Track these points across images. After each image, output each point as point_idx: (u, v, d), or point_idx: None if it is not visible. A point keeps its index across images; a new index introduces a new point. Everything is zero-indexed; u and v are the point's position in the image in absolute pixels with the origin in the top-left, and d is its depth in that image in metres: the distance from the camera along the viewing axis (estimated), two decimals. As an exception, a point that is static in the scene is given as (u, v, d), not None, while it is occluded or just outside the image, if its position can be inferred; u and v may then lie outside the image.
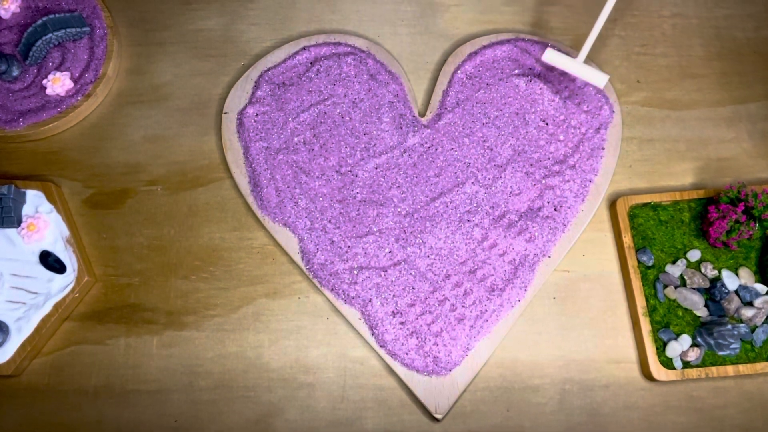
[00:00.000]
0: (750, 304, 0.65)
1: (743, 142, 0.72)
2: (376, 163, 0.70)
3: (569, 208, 0.68)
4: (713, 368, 0.63)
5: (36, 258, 0.67)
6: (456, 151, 0.70)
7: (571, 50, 0.74)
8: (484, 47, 0.74)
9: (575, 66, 0.66)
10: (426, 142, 0.71)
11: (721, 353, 0.64)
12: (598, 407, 0.65)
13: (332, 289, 0.67)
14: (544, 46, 0.74)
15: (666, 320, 0.65)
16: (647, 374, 0.64)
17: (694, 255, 0.67)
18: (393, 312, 0.65)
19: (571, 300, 0.68)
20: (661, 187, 0.71)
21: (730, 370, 0.63)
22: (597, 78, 0.66)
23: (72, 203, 0.72)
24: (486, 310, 0.65)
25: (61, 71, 0.73)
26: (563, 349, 0.66)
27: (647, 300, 0.65)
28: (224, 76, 0.76)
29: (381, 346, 0.65)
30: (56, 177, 0.73)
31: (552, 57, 0.67)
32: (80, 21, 0.74)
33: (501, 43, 0.74)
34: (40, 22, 0.73)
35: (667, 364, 0.63)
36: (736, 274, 0.66)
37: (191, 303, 0.68)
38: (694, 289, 0.65)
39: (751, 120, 0.73)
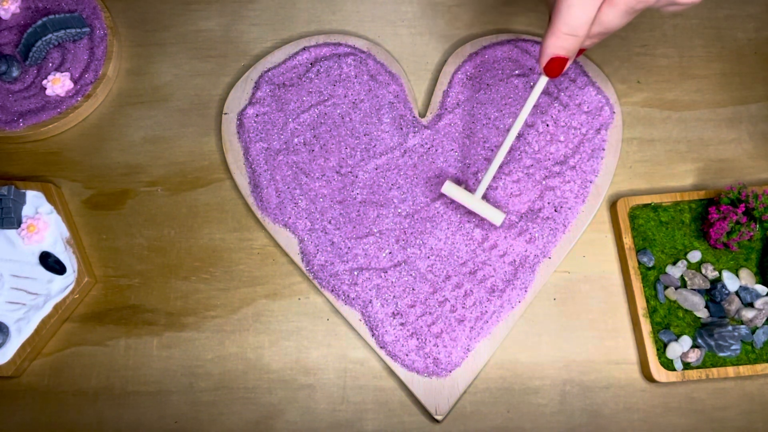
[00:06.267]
0: (750, 305, 0.65)
1: (744, 143, 0.72)
2: (377, 164, 0.70)
3: (569, 209, 0.68)
4: (714, 369, 0.63)
5: (36, 259, 0.67)
6: (456, 151, 0.70)
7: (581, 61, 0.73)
8: (485, 48, 0.74)
9: (472, 202, 0.65)
10: (426, 143, 0.71)
11: (721, 354, 0.64)
12: (599, 408, 0.65)
13: (332, 290, 0.67)
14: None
15: (666, 321, 0.65)
16: (648, 375, 0.64)
17: (695, 256, 0.67)
18: (393, 313, 0.65)
19: (571, 301, 0.68)
20: (661, 188, 0.71)
21: (730, 371, 0.63)
22: (494, 216, 0.64)
23: (72, 204, 0.72)
24: (486, 311, 0.65)
25: (61, 72, 0.73)
26: (563, 350, 0.66)
27: (648, 301, 0.65)
28: (224, 77, 0.76)
29: (381, 347, 0.65)
30: (56, 178, 0.73)
31: (449, 190, 0.65)
32: (80, 21, 0.74)
33: (501, 43, 0.74)
34: (39, 22, 0.73)
35: (668, 365, 0.63)
36: (737, 276, 0.66)
37: (191, 304, 0.68)
38: (694, 290, 0.65)
39: (752, 121, 0.73)
